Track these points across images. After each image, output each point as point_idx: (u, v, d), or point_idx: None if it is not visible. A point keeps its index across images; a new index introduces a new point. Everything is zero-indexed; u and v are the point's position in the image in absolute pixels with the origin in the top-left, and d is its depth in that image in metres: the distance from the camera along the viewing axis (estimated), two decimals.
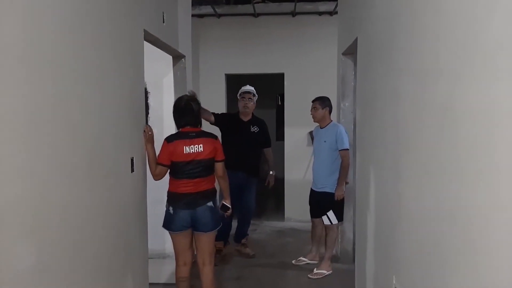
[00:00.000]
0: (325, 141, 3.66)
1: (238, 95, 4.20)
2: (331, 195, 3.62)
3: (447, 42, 1.42)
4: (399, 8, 2.01)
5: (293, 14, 5.40)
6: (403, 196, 1.95)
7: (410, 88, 1.82)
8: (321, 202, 3.71)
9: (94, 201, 2.00)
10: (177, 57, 3.93)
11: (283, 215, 5.55)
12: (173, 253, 4.01)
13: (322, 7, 5.24)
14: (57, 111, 1.66)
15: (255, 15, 5.43)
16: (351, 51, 3.61)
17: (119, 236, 2.35)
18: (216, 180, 2.91)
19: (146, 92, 4.05)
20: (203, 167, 2.74)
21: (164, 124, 4.03)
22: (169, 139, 2.73)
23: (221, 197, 3.05)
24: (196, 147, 2.71)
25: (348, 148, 3.59)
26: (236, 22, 5.52)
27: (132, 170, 2.50)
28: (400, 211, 1.99)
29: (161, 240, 4.08)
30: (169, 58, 3.94)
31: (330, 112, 3.74)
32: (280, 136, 7.03)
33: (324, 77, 5.15)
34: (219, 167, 2.86)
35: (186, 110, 2.78)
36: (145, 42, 3.07)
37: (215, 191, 2.89)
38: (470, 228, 1.23)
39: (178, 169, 2.70)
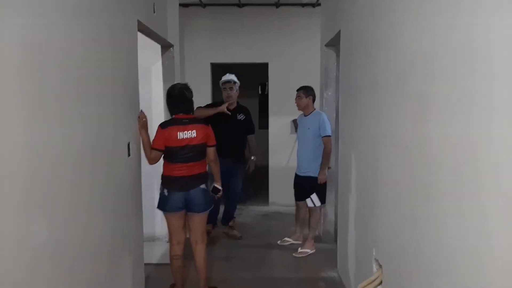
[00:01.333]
0: (308, 128, 3.87)
1: (220, 84, 4.33)
2: (314, 179, 3.84)
3: (422, 38, 1.61)
4: (379, 5, 2.19)
5: (277, 5, 5.54)
6: (381, 176, 2.16)
7: (389, 79, 2.01)
8: (304, 185, 3.92)
9: (95, 184, 2.14)
10: (166, 46, 4.03)
11: (268, 200, 5.76)
12: (163, 236, 4.21)
13: None
14: (62, 98, 1.77)
15: (240, 5, 5.54)
16: (333, 43, 3.80)
17: (118, 218, 2.49)
18: (207, 164, 3.07)
19: None
20: (196, 152, 2.89)
21: (152, 112, 4.13)
22: (163, 125, 2.87)
23: (212, 181, 3.22)
24: (189, 132, 2.85)
25: (330, 135, 3.80)
26: (221, 12, 5.62)
27: (129, 155, 2.64)
28: (378, 190, 2.21)
29: (152, 224, 4.22)
30: (157, 47, 4.03)
31: (313, 100, 3.94)
32: (263, 125, 7.22)
33: (307, 67, 5.32)
34: (211, 151, 3.03)
35: (180, 97, 2.91)
36: (140, 32, 3.19)
37: (207, 174, 3.05)
38: (439, 201, 1.45)
39: (172, 153, 2.85)
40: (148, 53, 4.06)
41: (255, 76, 7.50)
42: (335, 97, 4.05)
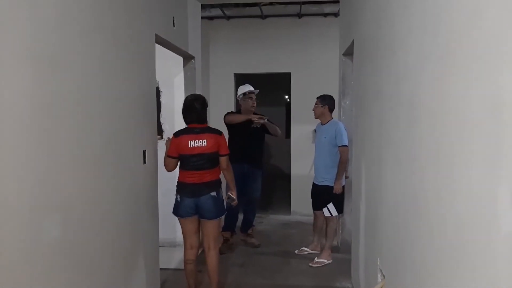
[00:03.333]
0: (325, 137, 3.88)
1: (241, 94, 4.37)
2: (331, 188, 3.84)
3: (413, 46, 1.63)
4: (383, 12, 2.22)
5: (299, 15, 5.61)
6: (383, 185, 2.17)
7: (388, 87, 2.03)
8: (321, 195, 3.93)
9: (110, 188, 2.27)
10: (187, 58, 4.19)
11: (289, 209, 5.77)
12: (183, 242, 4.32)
13: (327, 8, 5.45)
14: (78, 106, 1.93)
15: (263, 17, 5.66)
16: (350, 52, 3.81)
17: (133, 222, 2.62)
18: (221, 172, 3.17)
19: (159, 91, 4.34)
20: (207, 159, 3.00)
21: (175, 120, 4.29)
22: (176, 134, 3.02)
23: (228, 189, 3.30)
24: (200, 141, 2.97)
25: (347, 144, 3.79)
26: (244, 23, 5.76)
27: (144, 162, 2.77)
28: (381, 199, 2.21)
29: (173, 229, 4.35)
30: (180, 58, 4.20)
31: (330, 109, 3.95)
32: (289, 134, 7.27)
33: (328, 77, 5.34)
34: (223, 160, 3.11)
35: (191, 109, 3.05)
36: (157, 44, 3.36)
37: (219, 182, 3.14)
38: (428, 211, 1.45)
39: (184, 161, 2.98)
40: (171, 64, 4.24)
41: (281, 85, 7.56)
42: (352, 105, 4.05)
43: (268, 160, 8.59)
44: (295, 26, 5.69)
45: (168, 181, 4.26)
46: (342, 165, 3.80)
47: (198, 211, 3.00)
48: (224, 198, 3.16)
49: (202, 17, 5.67)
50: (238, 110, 4.50)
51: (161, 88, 4.32)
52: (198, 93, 4.27)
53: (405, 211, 1.72)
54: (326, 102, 3.93)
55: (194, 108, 3.04)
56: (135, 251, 2.67)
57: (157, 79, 4.32)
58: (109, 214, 2.27)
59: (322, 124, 3.99)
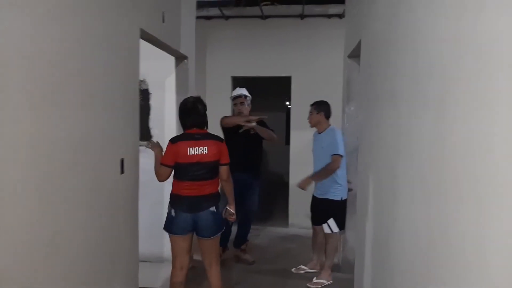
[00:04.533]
0: (322, 147, 3.57)
1: (231, 100, 4.12)
2: (332, 202, 3.51)
3: (437, 41, 1.31)
4: (396, 7, 1.91)
5: (302, 16, 5.31)
6: (398, 208, 1.84)
7: (405, 90, 1.71)
8: (321, 209, 3.61)
9: (78, 202, 1.95)
10: (180, 58, 3.88)
11: (287, 221, 5.43)
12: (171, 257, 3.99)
13: (332, 9, 5.15)
14: (42, 105, 1.61)
15: (263, 17, 5.36)
16: (356, 54, 3.50)
17: (108, 239, 2.29)
18: (219, 184, 2.86)
19: (148, 93, 4.03)
20: (207, 169, 2.70)
21: (165, 124, 3.99)
22: (173, 140, 2.69)
23: (225, 202, 2.97)
24: (200, 149, 2.66)
25: (341, 154, 3.47)
26: (244, 24, 5.46)
27: (122, 172, 2.45)
28: (395, 225, 1.88)
29: (160, 243, 4.02)
30: (172, 58, 3.89)
31: (327, 116, 3.62)
32: (289, 141, 6.94)
33: (331, 81, 5.05)
34: (224, 170, 2.81)
35: (193, 111, 2.73)
36: (147, 42, 3.05)
37: (219, 195, 2.84)
38: (463, 250, 1.12)
39: (181, 170, 2.66)
40: (163, 65, 3.94)
41: (282, 89, 7.23)
42: (358, 112, 3.73)
43: (266, 167, 8.25)
44: (297, 28, 5.39)
45: (156, 192, 3.95)
46: (326, 171, 3.50)
47: (195, 228, 2.68)
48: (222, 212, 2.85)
49: (200, 17, 5.38)
50: (233, 114, 4.19)
51: (150, 90, 4.01)
52: (191, 95, 3.98)
53: (432, 248, 1.39)
54: (321, 108, 3.61)
55: (197, 111, 2.73)
56: (111, 269, 2.34)
57: (147, 80, 4.04)
58: (79, 232, 1.95)
59: (319, 133, 3.66)
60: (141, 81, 4.03)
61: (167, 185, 3.93)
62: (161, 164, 2.68)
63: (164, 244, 4.04)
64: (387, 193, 2.06)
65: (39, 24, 1.63)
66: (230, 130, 3.98)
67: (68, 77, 1.85)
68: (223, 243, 4.03)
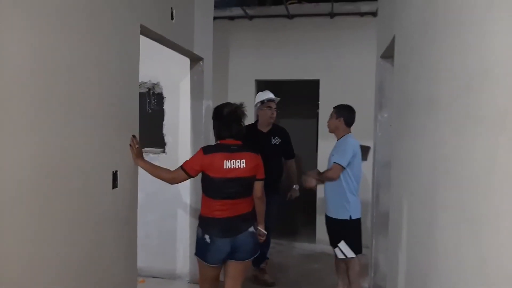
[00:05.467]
0: (333, 155, 3.16)
1: (258, 102, 3.78)
2: (340, 222, 3.09)
3: (498, 34, 0.91)
4: None
5: (331, 15, 4.90)
6: (436, 240, 1.42)
7: (449, 98, 1.30)
8: (330, 230, 3.21)
9: (58, 222, 1.68)
10: (195, 60, 3.59)
11: (314, 237, 5.01)
12: (185, 275, 3.69)
13: (364, 7, 4.71)
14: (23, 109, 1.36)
15: (289, 16, 5.00)
16: (389, 54, 3.07)
17: (98, 261, 2.00)
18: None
19: (162, 97, 3.77)
20: (245, 186, 2.42)
21: (179, 131, 3.72)
22: (206, 150, 2.39)
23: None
24: (238, 162, 2.37)
25: (342, 164, 3.04)
26: (268, 24, 5.12)
27: (115, 186, 2.15)
28: (432, 259, 1.46)
29: (172, 259, 3.75)
30: (187, 60, 3.61)
31: (347, 123, 3.20)
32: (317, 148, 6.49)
33: (363, 85, 4.62)
34: (259, 186, 2.52)
35: (233, 121, 2.43)
36: (152, 40, 2.78)
37: (255, 213, 2.55)
38: None
39: (215, 186, 2.36)
40: (178, 67, 3.67)
41: (313, 93, 6.78)
42: (391, 120, 3.29)
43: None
44: (326, 27, 4.98)
45: (168, 204, 3.68)
46: (324, 177, 3.12)
47: (233, 253, 2.38)
48: None
49: (222, 17, 5.11)
50: (256, 121, 3.85)
51: (164, 94, 3.75)
52: (206, 100, 3.68)
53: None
54: (341, 114, 3.19)
55: (238, 120, 2.43)
56: None
57: (161, 84, 3.78)
58: (63, 251, 1.68)
59: (337, 140, 3.26)
60: (155, 84, 3.78)
61: (179, 197, 3.68)
62: (182, 168, 2.39)
63: (177, 260, 3.75)
64: (423, 222, 1.64)
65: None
66: (248, 134, 3.66)
67: (54, 77, 1.60)
68: None
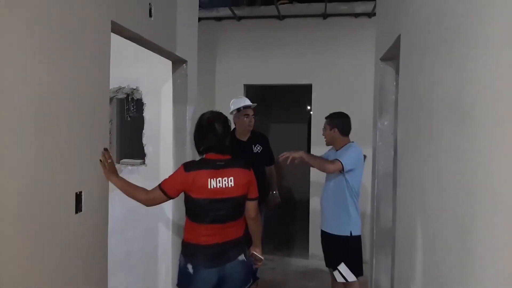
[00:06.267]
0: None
1: (234, 110, 3.49)
2: (342, 239, 2.80)
3: None
4: None
5: (324, 16, 4.64)
6: (474, 269, 1.13)
7: (473, 100, 1.02)
8: (330, 248, 2.91)
9: (18, 249, 1.35)
10: (178, 62, 3.28)
11: (307, 251, 4.71)
12: None
13: (359, 7, 4.46)
14: None
15: (280, 17, 4.73)
16: (391, 56, 2.81)
17: None
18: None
19: (142, 104, 3.44)
20: (234, 207, 2.11)
21: (160, 141, 3.38)
22: (187, 167, 2.06)
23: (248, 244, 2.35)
24: (225, 180, 2.06)
25: (344, 165, 2.74)
26: (258, 25, 4.84)
27: (78, 210, 1.82)
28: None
29: (153, 281, 3.41)
30: (169, 63, 3.30)
31: (342, 132, 2.94)
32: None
33: (359, 89, 4.38)
34: (252, 206, 2.21)
35: (208, 131, 2.12)
36: (128, 40, 2.47)
37: (247, 238, 2.24)
38: None
39: (199, 209, 2.05)
40: (159, 71, 3.35)
41: (304, 96, 6.50)
42: (393, 128, 3.01)
43: (283, 185, 7.49)
44: (319, 29, 4.72)
45: (149, 218, 3.35)
46: (317, 161, 2.79)
47: (220, 285, 2.06)
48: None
49: (208, 18, 4.83)
50: (233, 130, 3.54)
51: (144, 100, 3.42)
52: (191, 106, 3.36)
53: None
54: (334, 123, 2.93)
55: (214, 131, 2.10)
56: None
57: (140, 88, 3.45)
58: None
59: (336, 150, 2.97)
60: (134, 89, 3.45)
61: (162, 211, 3.35)
62: (160, 187, 2.06)
63: (158, 281, 3.42)
64: (451, 252, 1.35)
65: None
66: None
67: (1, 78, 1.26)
68: None
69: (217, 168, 2.05)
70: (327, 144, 3.02)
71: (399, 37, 2.30)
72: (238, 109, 3.45)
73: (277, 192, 3.69)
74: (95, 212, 1.95)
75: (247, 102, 3.47)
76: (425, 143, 1.71)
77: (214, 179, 2.02)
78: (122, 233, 3.35)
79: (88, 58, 1.89)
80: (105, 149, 2.00)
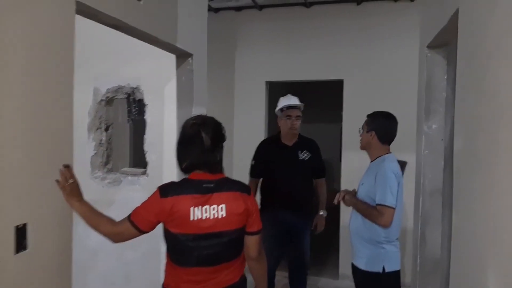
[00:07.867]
0: (362, 184, 2.27)
1: (278, 110, 3.00)
2: (373, 276, 2.18)
3: None
4: None
5: (358, 1, 4.04)
6: None
7: None
8: (360, 285, 2.32)
9: None
10: (182, 56, 2.82)
11: (337, 271, 4.14)
12: None
13: None
14: None
15: (307, 4, 4.17)
16: (443, 41, 2.21)
17: None
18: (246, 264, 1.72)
19: (143, 105, 3.01)
20: (227, 245, 1.57)
21: (164, 148, 2.94)
22: (164, 191, 1.53)
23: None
24: (213, 209, 1.52)
25: (392, 206, 2.07)
26: (282, 14, 4.29)
27: (21, 249, 1.38)
28: None
29: None
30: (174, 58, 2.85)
31: (381, 138, 2.24)
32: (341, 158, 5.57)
33: (399, 86, 3.78)
34: (253, 242, 1.65)
35: (193, 142, 1.56)
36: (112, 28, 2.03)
37: (245, 281, 1.69)
38: None
39: (181, 247, 1.53)
40: (162, 67, 2.91)
41: (338, 93, 5.86)
42: (444, 133, 2.41)
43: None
44: (352, 16, 4.11)
45: (156, 238, 2.91)
46: (366, 213, 2.16)
47: None
48: None
49: (227, 8, 4.36)
50: (278, 133, 3.03)
51: (146, 101, 2.98)
52: (197, 107, 2.88)
53: None
54: (373, 125, 2.26)
55: (200, 141, 1.55)
56: None
57: (142, 88, 3.02)
58: None
59: (371, 161, 2.34)
60: (135, 88, 3.03)
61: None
62: (129, 219, 1.54)
63: None
64: None
65: None
66: (269, 150, 2.98)
67: None
68: None
69: (204, 192, 1.52)
70: (362, 148, 2.39)
71: (456, 12, 1.71)
72: (281, 109, 2.95)
73: (325, 212, 3.06)
74: (48, 248, 1.50)
75: (293, 101, 2.97)
76: (507, 163, 1.13)
77: (199, 207, 1.50)
78: (120, 255, 2.95)
79: (45, 49, 1.44)
80: (66, 166, 1.55)
